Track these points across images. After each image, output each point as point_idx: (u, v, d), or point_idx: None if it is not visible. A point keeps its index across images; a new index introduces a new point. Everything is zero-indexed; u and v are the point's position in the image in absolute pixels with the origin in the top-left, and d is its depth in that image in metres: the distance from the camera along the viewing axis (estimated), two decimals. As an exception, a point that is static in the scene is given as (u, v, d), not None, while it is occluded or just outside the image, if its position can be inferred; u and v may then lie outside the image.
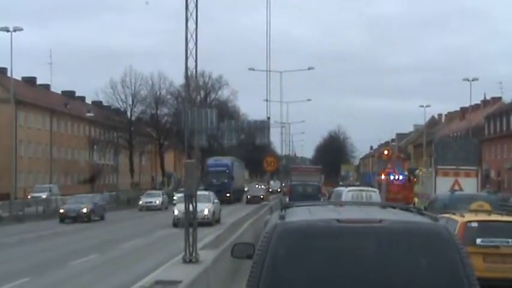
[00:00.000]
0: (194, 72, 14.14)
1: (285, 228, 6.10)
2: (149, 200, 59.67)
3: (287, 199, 50.19)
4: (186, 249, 13.12)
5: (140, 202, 60.28)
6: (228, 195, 68.13)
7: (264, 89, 63.50)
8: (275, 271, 5.87)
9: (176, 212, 38.26)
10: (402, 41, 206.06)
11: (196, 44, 14.05)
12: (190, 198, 13.42)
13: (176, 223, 37.22)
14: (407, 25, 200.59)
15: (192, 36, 14.00)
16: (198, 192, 35.05)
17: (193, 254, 13.09)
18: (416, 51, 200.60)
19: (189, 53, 13.95)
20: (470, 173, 36.82)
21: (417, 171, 46.69)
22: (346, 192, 33.61)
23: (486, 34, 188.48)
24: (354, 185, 48.53)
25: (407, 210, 7.09)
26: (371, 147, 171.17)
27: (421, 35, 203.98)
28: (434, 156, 37.11)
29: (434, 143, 38.35)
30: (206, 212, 38.39)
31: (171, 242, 28.12)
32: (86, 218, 45.13)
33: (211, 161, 74.19)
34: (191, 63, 14.13)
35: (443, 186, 35.42)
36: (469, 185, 36.16)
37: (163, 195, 62.40)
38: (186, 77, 13.60)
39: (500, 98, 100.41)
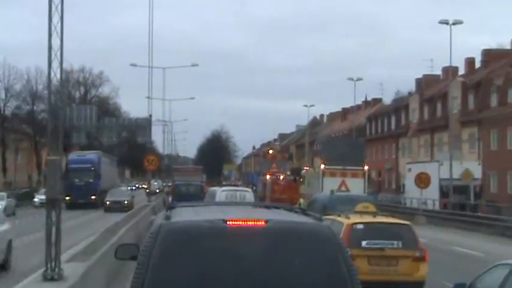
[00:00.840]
0: (60, 55, 12.07)
1: (170, 228, 6.02)
2: None
3: (170, 199, 49.75)
4: (48, 264, 11.07)
5: None
6: (93, 197, 58.23)
7: (147, 86, 60.80)
8: (160, 272, 5.79)
9: None
10: (284, 43, 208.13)
11: (61, 26, 12.06)
12: (52, 202, 11.39)
13: None
14: (289, 28, 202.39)
15: (56, 28, 12.01)
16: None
17: (56, 270, 11.05)
18: (298, 53, 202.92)
19: (54, 31, 11.93)
20: (358, 173, 36.16)
21: (303, 172, 45.85)
22: (220, 192, 33.36)
23: (366, 39, 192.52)
24: (233, 185, 47.27)
25: (291, 210, 7.06)
26: (253, 147, 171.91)
27: (302, 38, 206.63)
28: (321, 156, 36.23)
29: (322, 143, 37.60)
30: None
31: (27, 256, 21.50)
32: None
33: (73, 156, 63.07)
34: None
35: (330, 186, 34.65)
36: (356, 186, 35.53)
37: (7, 197, 48.39)
38: (49, 66, 11.53)
39: (380, 100, 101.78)
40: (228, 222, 6.05)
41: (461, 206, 45.25)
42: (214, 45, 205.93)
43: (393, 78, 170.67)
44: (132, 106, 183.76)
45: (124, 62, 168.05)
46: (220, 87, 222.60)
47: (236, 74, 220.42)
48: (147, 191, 60.75)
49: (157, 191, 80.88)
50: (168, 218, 6.20)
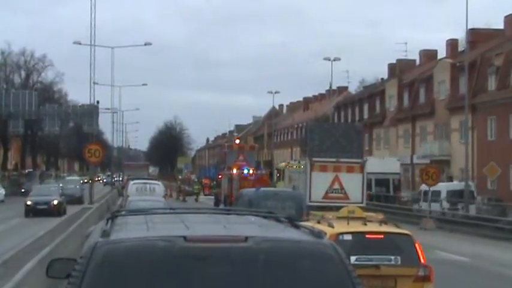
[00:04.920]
0: None
1: (108, 250, 4.37)
2: None
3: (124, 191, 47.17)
4: None
5: None
6: None
7: (96, 72, 53.88)
8: None
9: None
10: (231, 36, 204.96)
11: None
12: None
13: None
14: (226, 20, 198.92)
15: None
16: None
17: None
18: (239, 47, 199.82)
19: None
20: (354, 167, 29.04)
21: (281, 165, 38.90)
22: (132, 185, 33.71)
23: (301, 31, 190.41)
24: (140, 178, 41.53)
25: (274, 218, 5.33)
26: (207, 140, 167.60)
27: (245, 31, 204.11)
28: (309, 146, 29.25)
29: (309, 129, 30.61)
30: None
31: None
32: None
33: None
34: None
35: (320, 183, 28.02)
36: (353, 183, 28.59)
37: None
38: None
39: (347, 88, 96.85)
40: (190, 241, 4.39)
41: (385, 198, 46.07)
42: (159, 37, 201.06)
43: (352, 68, 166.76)
44: (80, 95, 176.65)
45: (71, 49, 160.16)
46: (171, 80, 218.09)
47: (182, 67, 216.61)
48: (28, 204, 39.15)
49: (55, 203, 40.51)
50: (106, 234, 4.55)
